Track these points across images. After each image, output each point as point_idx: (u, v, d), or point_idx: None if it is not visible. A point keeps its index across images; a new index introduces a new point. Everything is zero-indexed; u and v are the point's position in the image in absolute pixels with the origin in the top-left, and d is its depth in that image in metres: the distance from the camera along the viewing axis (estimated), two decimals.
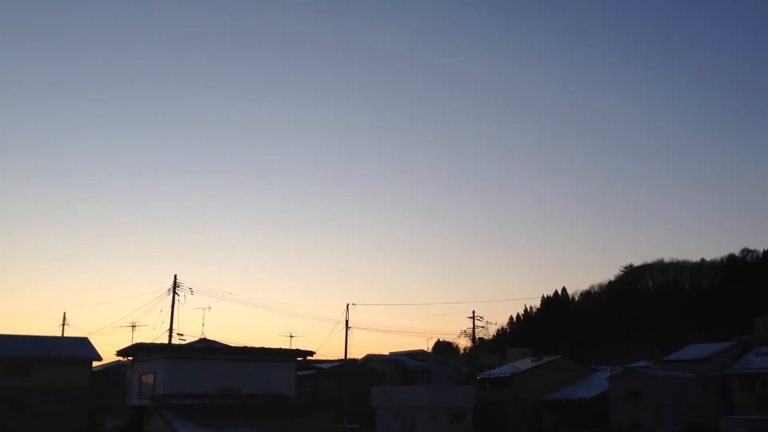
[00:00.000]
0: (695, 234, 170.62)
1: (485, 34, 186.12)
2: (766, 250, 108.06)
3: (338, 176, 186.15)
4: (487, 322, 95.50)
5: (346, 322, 53.24)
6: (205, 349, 34.72)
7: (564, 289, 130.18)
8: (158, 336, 46.94)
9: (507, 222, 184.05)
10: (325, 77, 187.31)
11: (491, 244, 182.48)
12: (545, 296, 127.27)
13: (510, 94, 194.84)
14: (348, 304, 55.58)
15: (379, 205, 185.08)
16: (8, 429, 36.56)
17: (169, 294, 46.48)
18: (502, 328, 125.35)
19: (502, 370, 68.03)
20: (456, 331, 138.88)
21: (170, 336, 44.87)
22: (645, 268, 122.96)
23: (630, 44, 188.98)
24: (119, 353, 34.26)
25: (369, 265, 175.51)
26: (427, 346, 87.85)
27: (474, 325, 63.07)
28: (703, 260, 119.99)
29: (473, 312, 63.00)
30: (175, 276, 47.16)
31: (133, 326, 56.88)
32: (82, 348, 43.26)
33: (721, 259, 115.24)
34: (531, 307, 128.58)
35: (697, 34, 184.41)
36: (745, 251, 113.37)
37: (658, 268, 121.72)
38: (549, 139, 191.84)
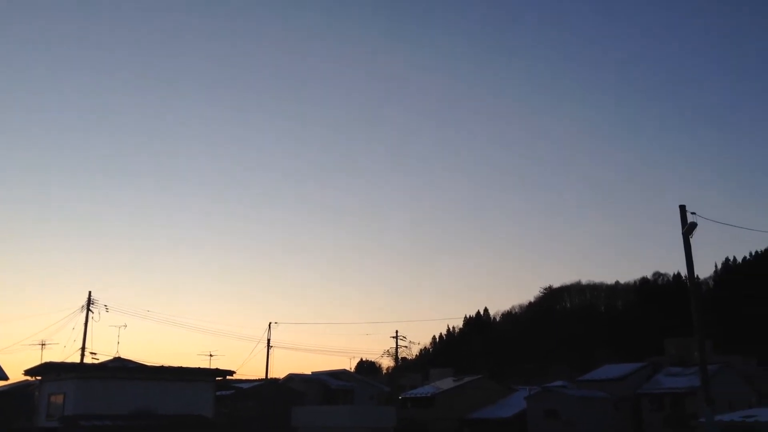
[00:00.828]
0: (611, 258, 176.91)
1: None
2: (676, 273, 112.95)
3: (260, 193, 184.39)
4: (410, 341, 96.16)
5: (268, 341, 52.49)
6: (120, 368, 33.46)
7: (486, 310, 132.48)
8: (69, 355, 45.05)
9: (430, 243, 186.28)
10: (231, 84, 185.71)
11: (415, 264, 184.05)
12: (467, 316, 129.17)
13: (427, 111, 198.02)
14: (270, 323, 54.86)
15: (302, 222, 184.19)
16: None
17: (82, 311, 44.76)
18: (425, 347, 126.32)
19: (424, 390, 68.33)
20: (379, 351, 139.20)
21: (83, 355, 43.11)
22: (563, 290, 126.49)
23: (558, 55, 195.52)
24: (27, 372, 32.61)
25: (292, 283, 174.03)
26: (350, 365, 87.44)
27: (397, 344, 63.32)
28: (617, 283, 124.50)
29: (396, 332, 63.28)
30: (90, 293, 45.51)
31: (42, 344, 54.30)
32: None
33: (635, 282, 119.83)
34: (454, 327, 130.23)
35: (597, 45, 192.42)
36: (657, 275, 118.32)
37: (576, 289, 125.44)
38: (474, 161, 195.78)
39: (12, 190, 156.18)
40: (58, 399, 29.96)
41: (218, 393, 38.91)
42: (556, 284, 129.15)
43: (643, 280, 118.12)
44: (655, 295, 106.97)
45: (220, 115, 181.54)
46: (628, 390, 55.27)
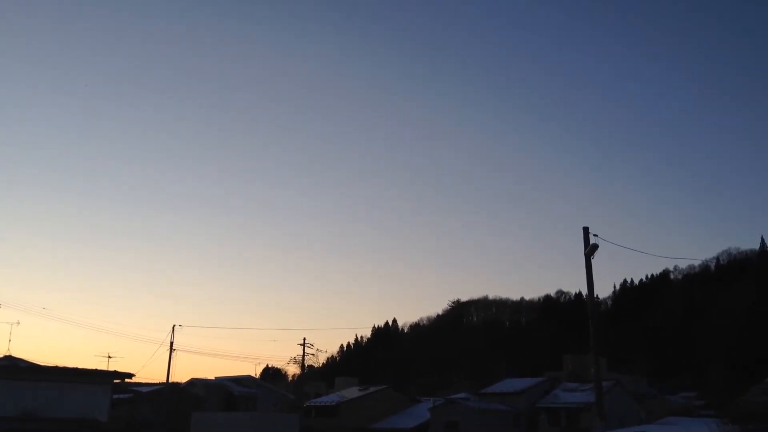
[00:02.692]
0: (517, 275, 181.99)
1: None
2: (577, 292, 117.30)
3: (166, 193, 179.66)
4: (318, 349, 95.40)
5: (171, 343, 50.96)
6: (8, 367, 31.72)
7: (394, 321, 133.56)
8: None
9: (341, 251, 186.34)
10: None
11: (325, 271, 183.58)
12: (376, 326, 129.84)
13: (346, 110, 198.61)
14: (174, 326, 53.30)
15: (210, 225, 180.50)
16: None
17: None
18: (333, 356, 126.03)
19: (329, 399, 68.07)
20: (286, 358, 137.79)
21: None
22: (471, 304, 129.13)
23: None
24: None
25: (198, 286, 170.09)
26: (255, 371, 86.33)
27: (304, 352, 62.82)
28: (522, 299, 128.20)
29: (304, 339, 62.81)
30: None
31: None
32: None
33: (539, 299, 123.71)
34: (362, 337, 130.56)
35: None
36: (560, 293, 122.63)
37: (483, 304, 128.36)
38: (386, 172, 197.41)
39: None
40: None
41: (115, 396, 37.51)
42: (464, 298, 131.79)
43: (547, 298, 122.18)
44: (556, 312, 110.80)
45: (129, 113, 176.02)
46: (527, 403, 56.80)
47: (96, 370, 34.68)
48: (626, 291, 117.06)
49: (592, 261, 22.76)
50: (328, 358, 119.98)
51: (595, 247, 22.60)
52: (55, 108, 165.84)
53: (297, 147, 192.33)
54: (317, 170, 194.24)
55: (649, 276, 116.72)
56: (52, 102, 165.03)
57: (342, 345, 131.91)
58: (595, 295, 23.89)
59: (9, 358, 34.91)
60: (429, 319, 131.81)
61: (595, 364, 22.57)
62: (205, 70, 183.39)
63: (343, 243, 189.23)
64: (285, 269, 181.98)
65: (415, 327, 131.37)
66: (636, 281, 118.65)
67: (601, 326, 23.66)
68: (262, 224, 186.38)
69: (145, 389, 56.72)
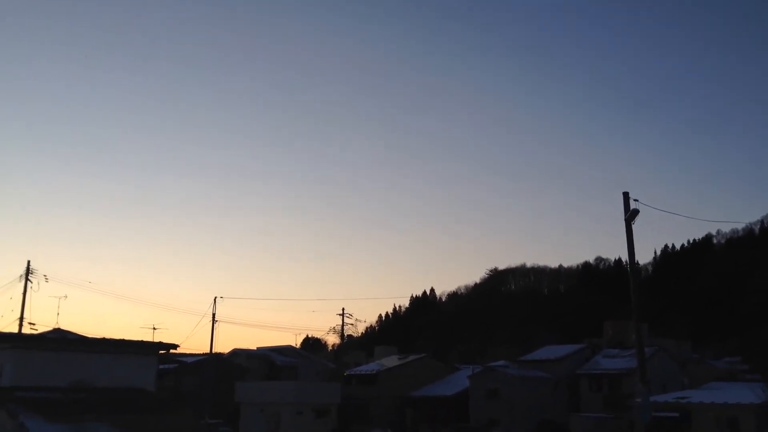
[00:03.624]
0: (555, 242, 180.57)
1: None
2: (617, 259, 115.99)
3: (206, 162, 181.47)
4: (357, 319, 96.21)
5: (213, 315, 51.88)
6: (59, 339, 32.68)
7: (432, 290, 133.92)
8: (7, 325, 43.89)
9: (379, 221, 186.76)
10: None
11: (363, 242, 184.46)
12: (414, 296, 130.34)
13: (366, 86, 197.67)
14: (216, 297, 54.21)
15: (249, 197, 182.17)
16: None
17: (21, 281, 43.49)
18: (371, 326, 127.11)
19: (368, 367, 68.84)
20: (325, 328, 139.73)
21: (21, 325, 42.01)
22: (508, 272, 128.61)
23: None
24: None
25: (238, 258, 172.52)
26: (296, 341, 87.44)
27: (343, 322, 63.49)
28: (561, 266, 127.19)
29: (343, 309, 63.39)
30: (29, 262, 44.22)
31: None
32: None
33: (577, 266, 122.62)
34: (400, 306, 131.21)
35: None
36: (599, 260, 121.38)
37: (521, 272, 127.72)
38: (425, 142, 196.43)
39: None
40: None
41: (161, 367, 38.43)
42: (501, 266, 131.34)
43: (586, 265, 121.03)
44: (596, 279, 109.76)
45: (162, 82, 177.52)
46: (567, 370, 56.72)
47: (142, 341, 35.55)
48: (668, 256, 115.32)
49: (633, 226, 22.45)
50: (367, 328, 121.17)
51: (636, 212, 22.27)
52: (90, 83, 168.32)
53: (335, 119, 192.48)
54: (354, 142, 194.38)
55: (691, 241, 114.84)
56: (91, 76, 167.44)
57: (380, 315, 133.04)
58: (636, 261, 23.59)
59: (58, 331, 35.92)
60: (467, 287, 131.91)
61: (636, 329, 22.37)
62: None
63: (380, 213, 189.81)
64: (323, 240, 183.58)
65: (453, 296, 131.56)
66: (678, 246, 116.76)
67: (642, 292, 23.36)
68: (300, 196, 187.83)
69: (189, 360, 58.06)
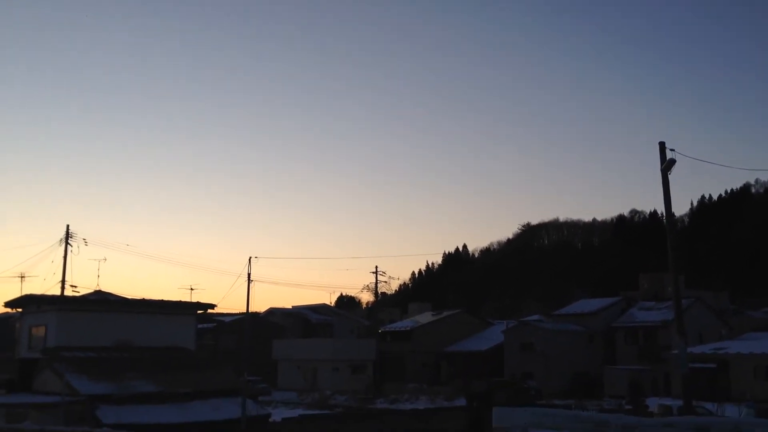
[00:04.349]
0: (589, 195, 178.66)
1: None
2: (652, 211, 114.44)
3: (239, 123, 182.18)
4: (390, 277, 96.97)
5: (249, 275, 52.55)
6: (100, 301, 33.50)
7: (465, 246, 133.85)
8: (50, 287, 44.96)
9: (411, 177, 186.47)
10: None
11: (395, 200, 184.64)
12: (446, 252, 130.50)
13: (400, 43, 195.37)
14: (250, 257, 54.86)
15: (281, 156, 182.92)
16: None
17: (61, 244, 44.42)
18: (405, 283, 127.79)
19: (403, 324, 69.56)
20: (359, 286, 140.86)
21: (63, 288, 43.03)
22: (541, 227, 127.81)
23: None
24: (7, 304, 32.61)
25: (272, 218, 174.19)
26: (330, 300, 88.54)
27: (377, 279, 63.83)
28: (594, 220, 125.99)
29: (376, 267, 63.62)
30: (68, 226, 45.09)
31: (22, 277, 54.19)
32: None
33: (611, 219, 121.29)
34: (433, 263, 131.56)
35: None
36: (633, 212, 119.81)
37: (554, 227, 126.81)
38: (448, 95, 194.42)
39: None
40: (40, 331, 30.07)
41: (199, 326, 39.26)
42: (534, 221, 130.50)
43: (620, 218, 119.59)
44: (631, 232, 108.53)
45: (203, 46, 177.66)
46: (602, 324, 56.65)
47: (180, 301, 36.30)
48: (705, 207, 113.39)
49: (669, 177, 22.05)
50: (400, 285, 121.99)
51: (672, 162, 21.84)
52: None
53: (367, 73, 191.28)
54: (385, 99, 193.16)
55: (729, 191, 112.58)
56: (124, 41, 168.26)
57: (414, 272, 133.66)
58: (672, 213, 23.23)
59: (99, 293, 36.76)
60: (499, 243, 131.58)
61: (674, 281, 22.15)
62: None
63: (411, 169, 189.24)
64: (355, 198, 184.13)
65: (486, 252, 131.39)
66: (715, 197, 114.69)
67: (679, 244, 23.04)
68: (333, 154, 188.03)
69: (227, 319, 59.21)
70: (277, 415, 34.01)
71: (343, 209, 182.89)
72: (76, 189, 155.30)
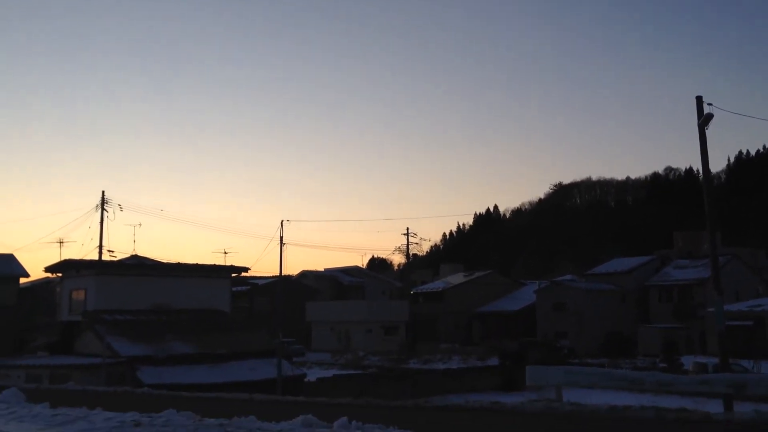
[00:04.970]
0: (622, 153, 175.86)
1: None
2: (687, 168, 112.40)
3: (269, 87, 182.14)
4: (421, 238, 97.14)
5: (281, 238, 52.98)
6: (137, 265, 34.17)
7: (495, 207, 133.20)
8: (87, 253, 45.97)
9: (440, 139, 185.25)
10: None
11: (425, 161, 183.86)
12: (477, 213, 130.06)
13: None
14: (282, 221, 55.28)
15: (312, 118, 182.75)
16: None
17: (97, 210, 45.15)
18: (436, 244, 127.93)
19: (435, 285, 69.83)
20: (390, 248, 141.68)
21: (100, 252, 43.86)
22: (573, 186, 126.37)
23: None
24: (47, 269, 33.44)
25: (304, 181, 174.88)
26: (362, 262, 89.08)
27: (408, 241, 64.01)
28: (628, 178, 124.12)
29: (407, 229, 63.93)
30: (103, 192, 45.76)
31: (60, 242, 55.31)
32: (8, 265, 42.02)
33: (646, 177, 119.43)
34: (464, 224, 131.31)
35: None
36: (668, 169, 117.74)
37: (586, 186, 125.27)
38: (479, 55, 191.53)
39: (28, 88, 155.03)
40: (80, 295, 30.82)
41: (234, 289, 39.87)
42: (566, 180, 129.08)
43: (655, 175, 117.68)
44: (665, 189, 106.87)
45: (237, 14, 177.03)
46: (636, 282, 56.25)
47: (215, 265, 36.87)
48: (742, 163, 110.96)
49: (706, 132, 21.53)
50: (431, 247, 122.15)
51: (710, 117, 21.31)
52: (154, 6, 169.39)
53: (399, 32, 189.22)
54: (415, 58, 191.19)
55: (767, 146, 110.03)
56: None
57: (444, 233, 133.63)
58: (709, 169, 22.74)
59: (135, 257, 37.44)
60: (531, 203, 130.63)
61: (710, 238, 21.77)
62: None
63: (442, 131, 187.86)
64: (386, 159, 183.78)
65: (517, 212, 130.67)
66: (752, 152, 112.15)
67: (716, 200, 22.56)
68: (363, 117, 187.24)
69: (260, 282, 59.97)
70: (312, 375, 34.56)
71: (375, 171, 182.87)
72: (111, 155, 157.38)
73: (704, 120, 21.39)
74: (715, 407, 13.12)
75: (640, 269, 57.55)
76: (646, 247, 69.70)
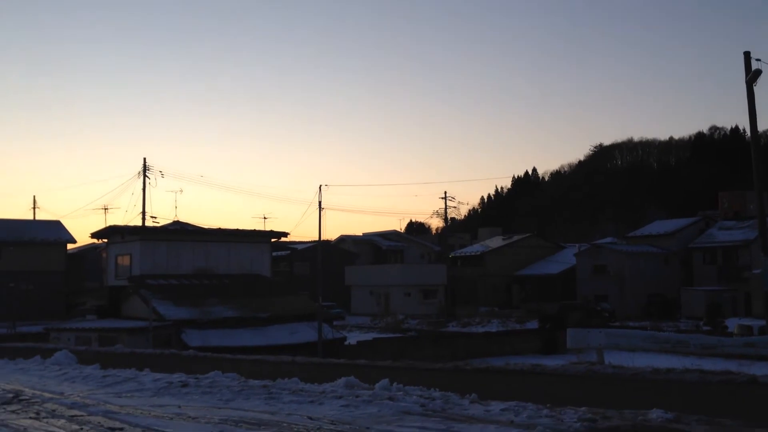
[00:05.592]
0: (665, 112, 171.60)
1: None
2: (733, 127, 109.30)
3: (309, 53, 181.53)
4: (459, 202, 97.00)
5: (319, 203, 53.26)
6: (180, 231, 34.82)
7: (534, 169, 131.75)
8: (131, 219, 46.74)
9: (478, 101, 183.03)
10: None
11: (463, 124, 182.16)
12: (516, 176, 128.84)
13: None
14: (321, 186, 55.47)
15: (350, 83, 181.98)
16: None
17: (139, 177, 45.91)
18: (474, 208, 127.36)
19: (474, 248, 69.74)
20: (428, 212, 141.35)
21: (143, 218, 44.71)
22: (614, 148, 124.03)
23: None
24: (93, 235, 34.25)
25: (341, 145, 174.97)
26: (400, 226, 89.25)
27: (446, 205, 63.77)
28: (671, 138, 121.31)
29: (445, 192, 63.51)
30: (145, 159, 46.44)
31: (105, 209, 56.56)
32: (56, 231, 43.25)
33: (689, 137, 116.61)
34: (502, 188, 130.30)
35: None
36: (713, 129, 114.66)
37: (627, 147, 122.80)
38: (519, 17, 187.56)
39: (74, 62, 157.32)
40: (125, 260, 31.55)
41: (274, 254, 40.37)
42: (606, 142, 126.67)
43: (699, 135, 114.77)
44: (710, 149, 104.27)
45: None
46: (679, 244, 55.37)
47: (255, 230, 37.39)
48: None
49: (755, 89, 20.88)
50: (469, 211, 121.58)
51: (758, 73, 20.64)
52: None
53: (439, 3, 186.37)
54: (456, 20, 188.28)
55: None
56: None
57: (482, 197, 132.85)
58: (757, 127, 22.09)
59: (177, 223, 38.18)
60: (570, 166, 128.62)
61: (758, 197, 21.24)
62: None
63: (480, 92, 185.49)
64: (424, 123, 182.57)
65: (556, 175, 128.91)
66: None
67: (764, 159, 21.94)
68: (400, 79, 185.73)
69: (299, 246, 60.62)
70: (352, 338, 35.03)
71: (412, 135, 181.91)
72: (152, 121, 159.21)
73: (752, 76, 20.75)
74: (760, 369, 12.93)
75: (683, 231, 56.58)
76: (690, 209, 68.35)
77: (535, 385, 9.81)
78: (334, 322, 38.16)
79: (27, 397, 10.11)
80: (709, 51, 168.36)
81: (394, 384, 9.83)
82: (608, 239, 60.35)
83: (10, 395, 10.31)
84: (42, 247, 40.55)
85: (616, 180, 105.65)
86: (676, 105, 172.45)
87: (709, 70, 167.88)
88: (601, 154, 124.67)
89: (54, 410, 8.85)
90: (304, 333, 29.25)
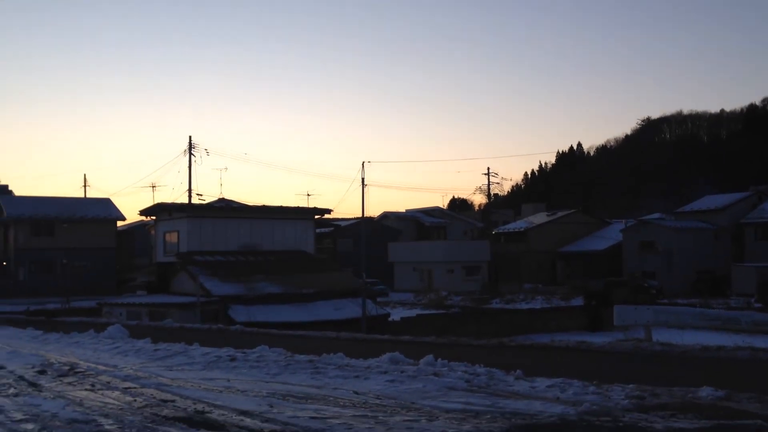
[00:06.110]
0: (715, 84, 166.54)
1: None
2: None
3: (348, 32, 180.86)
4: (502, 178, 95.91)
5: (362, 179, 53.40)
6: (225, 208, 35.31)
7: (579, 144, 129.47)
8: (178, 196, 47.50)
9: (522, 76, 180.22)
10: None
11: (506, 99, 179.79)
12: (560, 152, 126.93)
13: None
14: (363, 162, 55.55)
15: (392, 61, 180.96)
16: (40, 286, 38.12)
17: (185, 155, 46.58)
18: (517, 184, 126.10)
19: (517, 225, 69.14)
20: (471, 188, 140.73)
21: (189, 196, 45.42)
22: (663, 121, 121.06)
23: None
24: (142, 213, 35.01)
25: (384, 122, 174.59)
26: (443, 202, 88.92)
27: (489, 181, 63.35)
28: (722, 111, 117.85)
29: (488, 168, 63.12)
30: (190, 137, 47.05)
31: (153, 187, 57.63)
32: (106, 208, 44.31)
33: (741, 110, 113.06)
34: (546, 163, 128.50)
35: None
36: (766, 100, 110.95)
37: (676, 120, 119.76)
38: None
39: (122, 42, 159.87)
40: (173, 237, 32.19)
41: (318, 230, 40.72)
42: (654, 115, 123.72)
43: (751, 107, 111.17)
44: (763, 122, 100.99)
45: None
46: (730, 220, 53.99)
47: (299, 207, 37.71)
48: None
49: None
50: (512, 186, 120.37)
51: None
52: None
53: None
54: (489, 2, 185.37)
55: None
56: None
57: (526, 173, 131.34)
58: None
59: (223, 201, 38.68)
60: (617, 140, 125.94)
61: None
62: None
63: (523, 66, 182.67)
64: (466, 98, 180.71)
65: (602, 149, 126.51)
66: None
67: None
68: (443, 55, 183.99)
69: (343, 223, 60.93)
70: (396, 314, 35.19)
71: (455, 110, 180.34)
72: (197, 99, 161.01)
73: None
74: None
75: (734, 206, 55.10)
76: (742, 183, 66.51)
77: (581, 362, 9.73)
78: (378, 299, 38.42)
79: (82, 370, 10.44)
80: (762, 21, 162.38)
81: (439, 360, 9.86)
82: (656, 215, 59.16)
83: (66, 368, 10.66)
84: (93, 224, 41.63)
85: (665, 154, 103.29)
86: (727, 76, 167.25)
87: (762, 40, 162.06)
88: (649, 127, 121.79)
89: (108, 382, 9.12)
90: (349, 309, 29.52)
